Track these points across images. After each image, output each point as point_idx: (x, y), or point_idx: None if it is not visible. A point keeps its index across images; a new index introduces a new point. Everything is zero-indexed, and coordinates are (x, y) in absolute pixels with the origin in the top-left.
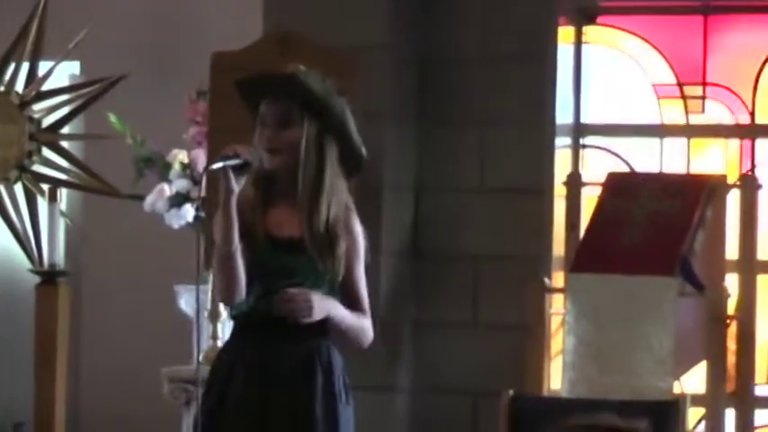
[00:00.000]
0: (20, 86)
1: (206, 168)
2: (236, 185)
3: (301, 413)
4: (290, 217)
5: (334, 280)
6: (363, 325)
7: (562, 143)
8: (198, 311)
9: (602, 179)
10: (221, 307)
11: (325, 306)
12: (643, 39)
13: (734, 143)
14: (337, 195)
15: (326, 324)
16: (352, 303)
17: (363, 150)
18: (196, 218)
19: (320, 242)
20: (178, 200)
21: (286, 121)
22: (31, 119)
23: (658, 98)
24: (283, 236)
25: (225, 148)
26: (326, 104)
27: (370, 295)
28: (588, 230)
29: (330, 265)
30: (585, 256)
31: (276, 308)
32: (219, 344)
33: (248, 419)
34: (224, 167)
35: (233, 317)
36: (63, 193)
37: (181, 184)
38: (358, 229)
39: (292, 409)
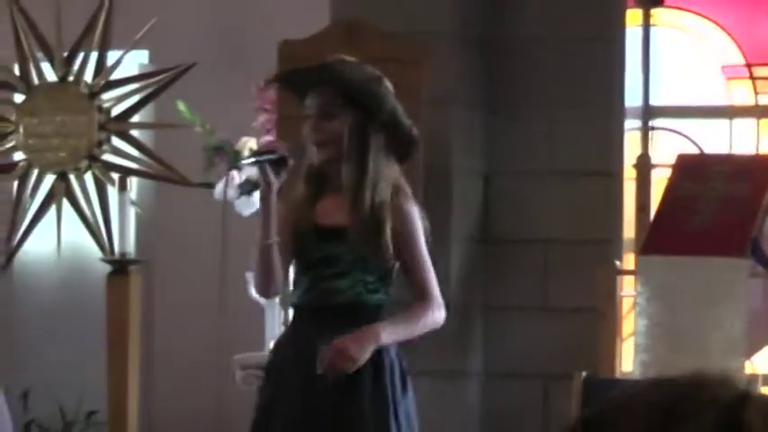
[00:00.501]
0: (89, 76)
1: (236, 165)
2: (276, 180)
3: (347, 406)
4: (337, 207)
5: (384, 266)
6: (422, 321)
7: (631, 126)
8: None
9: (672, 161)
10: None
11: (367, 345)
12: (711, 20)
13: None
14: (385, 181)
15: (380, 309)
16: (414, 288)
17: (415, 132)
18: None
19: (365, 228)
20: (248, 187)
21: (327, 112)
22: (100, 108)
23: (727, 79)
24: (327, 225)
25: (261, 145)
26: (366, 92)
27: (441, 280)
28: (658, 212)
29: (377, 250)
30: (656, 239)
31: (322, 369)
32: None
33: (295, 411)
34: (260, 163)
35: (291, 305)
36: (133, 182)
37: (250, 172)
38: (413, 210)
39: (339, 402)
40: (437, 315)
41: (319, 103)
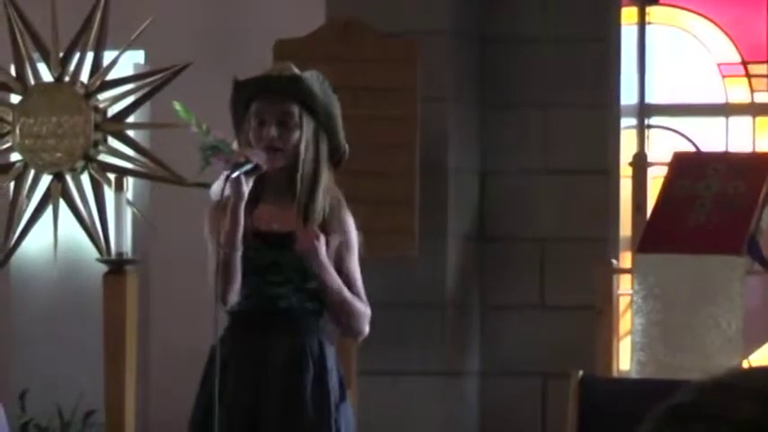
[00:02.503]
0: (85, 77)
1: (227, 178)
2: (246, 189)
3: (291, 409)
4: (279, 213)
5: None
6: (362, 309)
7: (627, 124)
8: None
9: (668, 159)
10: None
11: (327, 262)
12: (707, 18)
13: None
14: (330, 190)
15: (320, 317)
16: None
17: (346, 146)
18: None
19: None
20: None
21: (289, 122)
22: (96, 109)
23: (723, 77)
24: (271, 231)
25: (235, 154)
26: (325, 104)
27: (437, 279)
28: (655, 210)
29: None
30: (652, 237)
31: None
32: None
33: (241, 415)
34: (239, 175)
35: (228, 312)
36: (129, 182)
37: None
38: (350, 222)
39: (283, 405)
40: (368, 319)
41: (281, 111)
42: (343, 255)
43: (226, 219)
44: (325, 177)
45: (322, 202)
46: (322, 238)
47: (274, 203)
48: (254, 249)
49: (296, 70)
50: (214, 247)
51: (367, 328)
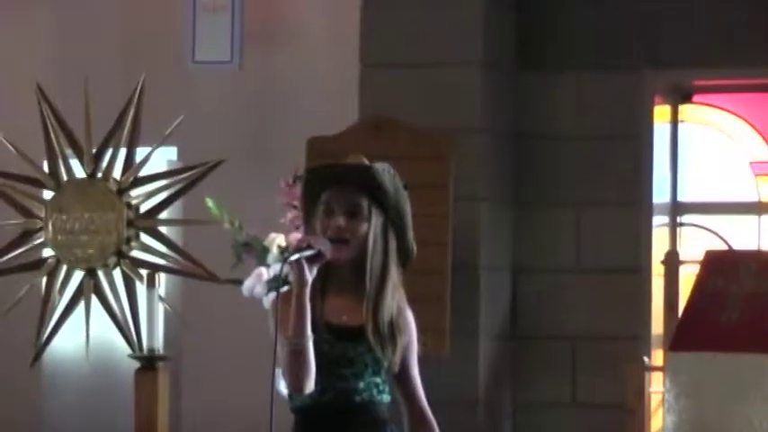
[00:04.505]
0: (117, 173)
1: (285, 260)
2: (310, 277)
3: None
4: (349, 306)
5: (393, 370)
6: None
7: (659, 222)
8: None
9: (701, 257)
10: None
11: None
12: (739, 116)
13: None
14: (398, 287)
15: (391, 406)
16: (409, 395)
17: (414, 246)
18: None
19: (383, 332)
20: (276, 284)
21: (358, 213)
22: (129, 205)
23: (755, 175)
24: (342, 325)
25: (298, 240)
26: (395, 199)
27: (470, 378)
28: (687, 309)
29: (390, 354)
30: (685, 335)
31: None
32: None
33: None
34: (299, 259)
35: (293, 409)
36: (162, 278)
37: (279, 269)
38: (412, 321)
39: None
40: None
41: (350, 202)
42: (408, 357)
43: (291, 308)
44: (394, 274)
45: (391, 299)
46: None
47: (344, 296)
48: (327, 342)
49: (366, 162)
50: (282, 339)
51: None
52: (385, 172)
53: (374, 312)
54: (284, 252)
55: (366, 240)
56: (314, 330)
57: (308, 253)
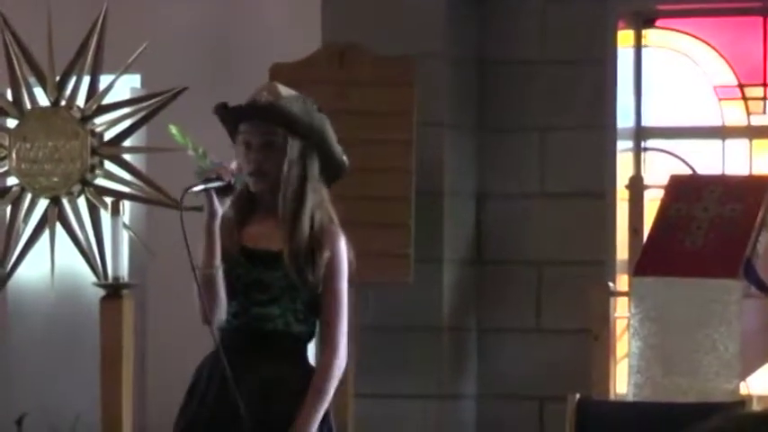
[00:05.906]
0: (81, 101)
1: (186, 190)
2: (220, 208)
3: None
4: (268, 232)
5: (314, 294)
6: (328, 385)
7: (623, 146)
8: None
9: (665, 182)
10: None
11: None
12: (703, 41)
13: None
14: (320, 208)
15: (308, 341)
16: (322, 325)
17: (345, 159)
18: None
19: (301, 255)
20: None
21: (271, 144)
22: (92, 133)
23: (719, 100)
24: (259, 249)
25: (207, 171)
26: (308, 126)
27: (434, 303)
28: (651, 234)
29: (310, 278)
30: (649, 260)
31: None
32: None
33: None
34: (207, 190)
35: (219, 330)
36: (126, 205)
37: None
38: (341, 241)
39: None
40: (340, 363)
41: (263, 134)
42: (332, 272)
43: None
44: (312, 196)
45: (308, 220)
46: None
47: (263, 223)
48: (242, 267)
49: (281, 91)
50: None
51: (342, 367)
52: (292, 101)
53: (290, 237)
54: (203, 181)
55: (281, 168)
56: (229, 257)
57: (215, 185)
